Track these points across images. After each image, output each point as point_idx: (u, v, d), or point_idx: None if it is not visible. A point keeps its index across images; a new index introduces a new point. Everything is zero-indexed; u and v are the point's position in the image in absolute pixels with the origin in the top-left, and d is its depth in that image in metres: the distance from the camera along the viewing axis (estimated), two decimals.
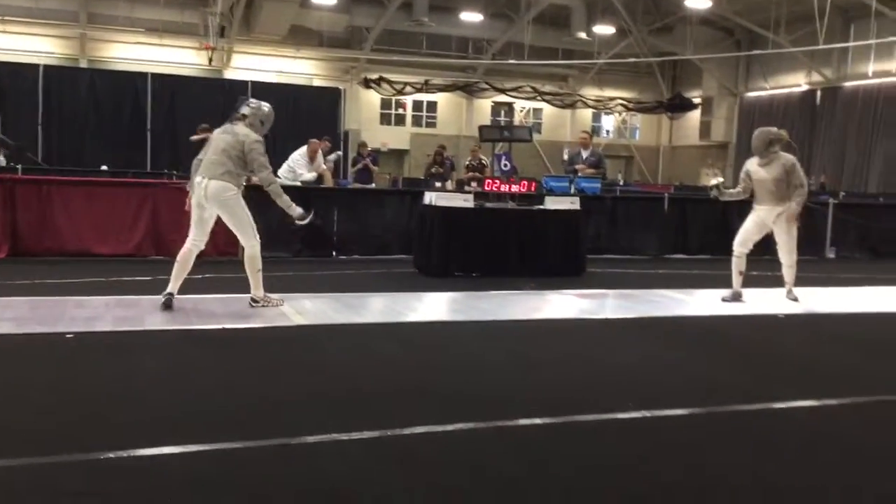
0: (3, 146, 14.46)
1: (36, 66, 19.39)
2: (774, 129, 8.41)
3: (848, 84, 28.82)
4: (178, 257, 6.60)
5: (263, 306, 6.71)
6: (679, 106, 35.42)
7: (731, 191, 8.48)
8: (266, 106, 6.79)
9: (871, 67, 28.14)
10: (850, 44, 26.52)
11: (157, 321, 6.14)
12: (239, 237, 6.69)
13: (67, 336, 5.53)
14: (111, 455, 3.40)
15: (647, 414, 4.27)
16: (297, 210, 6.80)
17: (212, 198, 6.46)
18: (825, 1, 22.60)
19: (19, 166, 13.16)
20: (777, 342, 6.50)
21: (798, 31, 26.84)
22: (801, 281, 9.70)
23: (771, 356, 5.94)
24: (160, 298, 6.49)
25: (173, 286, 6.55)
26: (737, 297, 8.02)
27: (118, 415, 4.00)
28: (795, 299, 8.07)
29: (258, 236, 6.67)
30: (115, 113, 18.25)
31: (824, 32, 23.09)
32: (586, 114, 36.67)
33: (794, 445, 3.94)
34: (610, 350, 5.98)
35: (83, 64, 26.80)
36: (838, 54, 28.34)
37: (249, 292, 6.76)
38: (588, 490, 3.32)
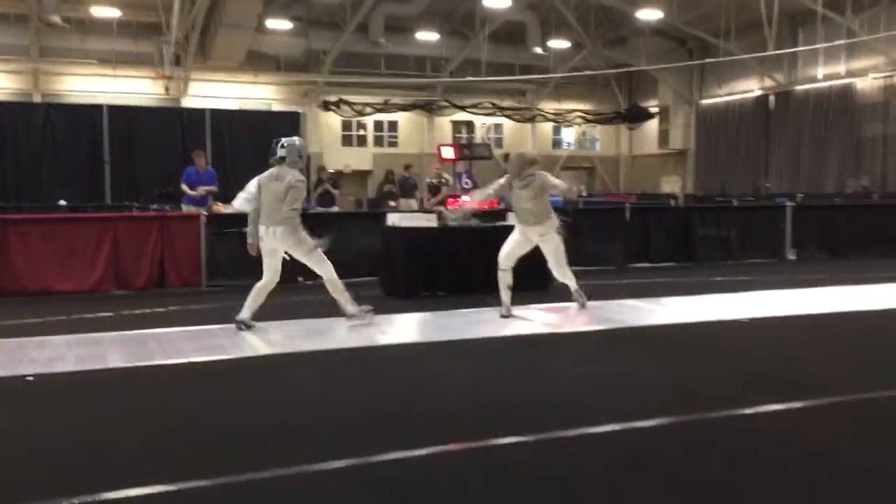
0: None
1: None
2: (528, 153, 8.58)
3: (799, 88, 29.46)
4: (255, 289, 7.11)
5: (360, 320, 7.29)
6: (636, 116, 35.92)
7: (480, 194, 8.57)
8: (297, 140, 7.23)
9: (821, 71, 28.82)
10: (799, 49, 27.17)
11: (119, 359, 6.03)
12: (313, 267, 7.20)
13: (28, 378, 5.41)
14: (75, 501, 3.32)
15: (619, 427, 4.29)
16: (311, 242, 7.16)
17: (279, 241, 6.99)
18: (772, 8, 23.13)
19: None
20: (743, 347, 6.58)
21: (748, 38, 27.42)
22: (764, 284, 9.88)
23: (738, 361, 6.01)
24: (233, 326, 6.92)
25: (244, 313, 7.01)
26: (509, 313, 7.85)
27: (81, 458, 3.91)
28: (583, 305, 8.17)
29: (329, 262, 7.19)
30: (71, 146, 17.97)
31: (774, 38, 23.61)
32: (546, 127, 37.03)
33: (763, 451, 3.98)
34: (579, 363, 6.01)
35: (37, 98, 26.42)
36: (788, 59, 28.97)
37: (217, 323, 6.74)
38: None
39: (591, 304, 8.63)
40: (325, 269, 7.19)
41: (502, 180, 8.16)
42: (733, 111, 32.05)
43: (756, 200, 20.20)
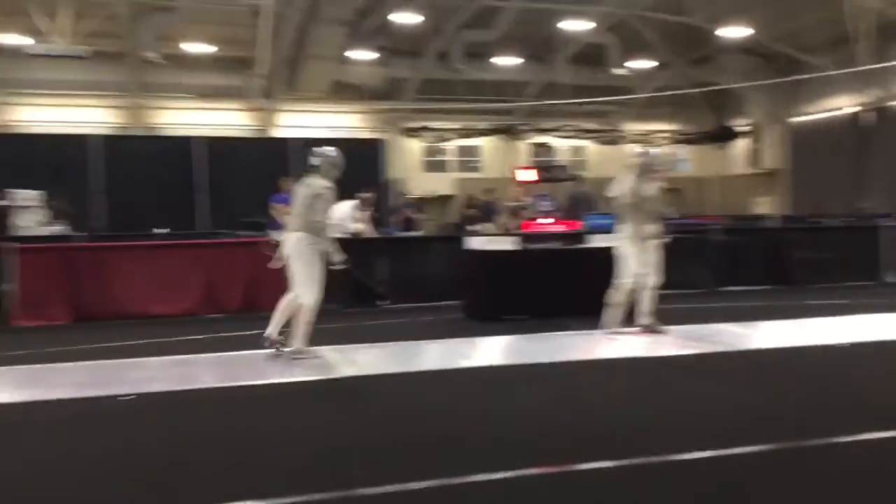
0: (64, 215, 14.97)
1: (92, 136, 20.17)
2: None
3: None
4: (282, 303, 6.86)
5: (303, 357, 6.77)
6: (724, 135, 35.08)
7: None
8: (333, 151, 7.08)
9: None
10: (893, 63, 26.04)
11: (210, 379, 6.24)
12: (298, 285, 6.78)
13: (125, 398, 5.64)
14: None
15: (709, 454, 4.16)
16: (338, 257, 6.93)
17: (291, 248, 6.77)
18: (865, 22, 22.26)
19: (79, 234, 13.59)
20: (842, 373, 6.30)
21: (838, 54, 26.48)
22: (863, 308, 9.44)
23: (836, 387, 5.76)
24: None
25: (271, 329, 6.82)
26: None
27: (173, 479, 4.04)
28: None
29: (320, 292, 6.78)
30: (168, 177, 18.80)
31: (868, 53, 22.69)
32: (630, 149, 36.48)
33: (864, 482, 3.79)
34: (669, 389, 5.87)
35: (137, 132, 27.76)
36: (882, 74, 27.82)
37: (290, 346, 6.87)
38: None
39: (680, 328, 8.42)
40: (309, 294, 6.75)
41: (629, 181, 7.91)
42: (827, 129, 30.88)
43: (854, 221, 19.37)
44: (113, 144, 19.82)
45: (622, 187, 7.95)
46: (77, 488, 3.87)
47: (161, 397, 5.74)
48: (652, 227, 7.85)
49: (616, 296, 7.88)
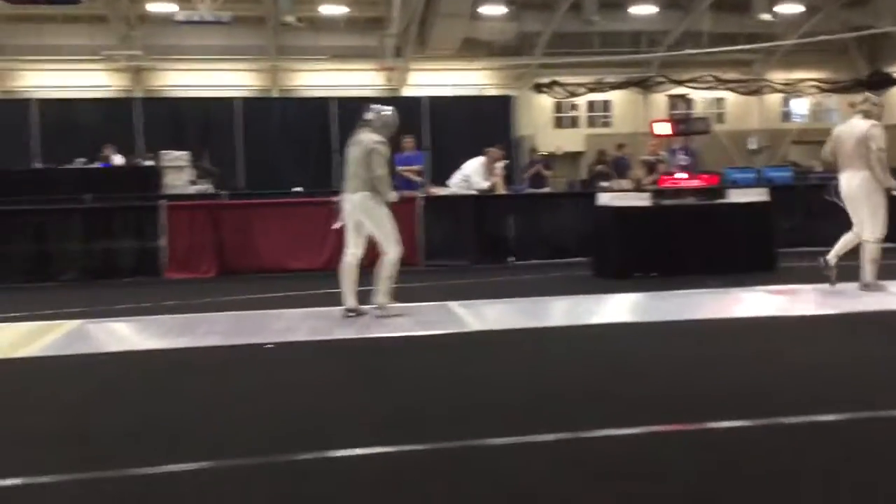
0: (208, 175, 15.86)
1: (234, 98, 21.14)
2: None
3: None
4: (340, 271, 6.93)
5: (385, 314, 6.79)
6: (880, 82, 32.42)
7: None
8: (387, 110, 7.03)
9: None
10: None
11: (345, 332, 6.48)
12: (381, 242, 6.84)
13: (267, 347, 5.97)
14: (308, 456, 3.62)
15: (855, 415, 3.95)
16: (393, 194, 6.92)
17: (356, 208, 6.78)
18: None
19: (223, 192, 14.36)
20: None
21: None
22: None
23: None
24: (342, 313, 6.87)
25: (349, 300, 6.87)
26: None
27: (308, 420, 4.25)
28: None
29: (400, 245, 6.84)
30: (304, 137, 19.48)
31: None
32: (775, 99, 34.51)
33: None
34: (810, 348, 5.59)
35: (275, 94, 28.83)
36: None
37: (429, 300, 7.00)
38: (785, 496, 3.12)
39: (822, 286, 7.99)
40: (391, 248, 6.77)
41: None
42: None
43: None
44: (252, 107, 20.69)
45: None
46: (231, 427, 4.13)
47: (298, 347, 6.03)
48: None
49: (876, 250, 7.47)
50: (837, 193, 7.60)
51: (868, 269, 7.49)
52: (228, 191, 14.83)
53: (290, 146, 19.16)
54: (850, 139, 7.47)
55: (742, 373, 4.94)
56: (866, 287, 7.50)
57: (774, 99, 34.43)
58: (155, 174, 14.28)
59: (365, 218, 6.84)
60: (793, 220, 11.13)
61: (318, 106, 20.66)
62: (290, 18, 25.74)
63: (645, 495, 3.15)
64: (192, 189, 14.41)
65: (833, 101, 35.30)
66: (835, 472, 3.32)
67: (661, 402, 4.35)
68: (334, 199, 7.33)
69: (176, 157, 14.75)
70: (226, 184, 16.08)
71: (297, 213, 10.73)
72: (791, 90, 33.27)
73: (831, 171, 7.90)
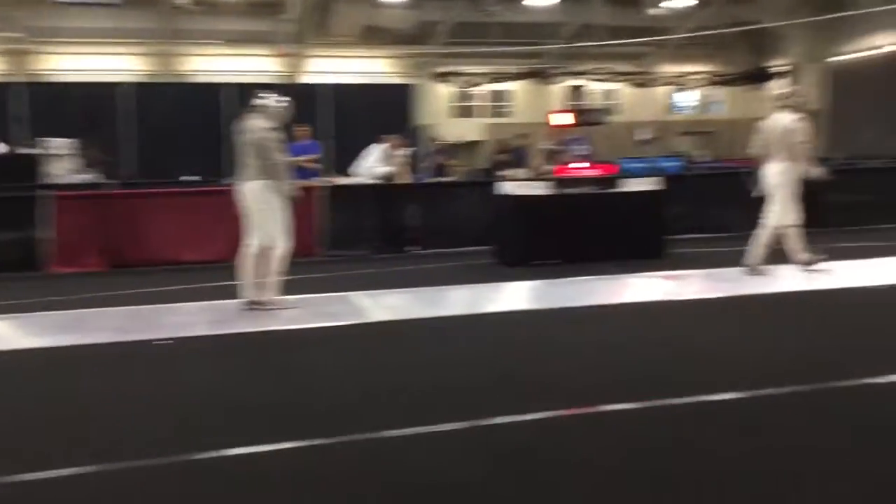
0: (97, 163, 15.14)
1: (124, 84, 20.26)
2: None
3: None
4: (240, 262, 6.73)
5: (266, 307, 6.66)
6: (762, 76, 34.17)
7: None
8: (279, 97, 6.84)
9: None
10: None
11: (245, 325, 6.32)
12: (269, 234, 6.67)
13: (163, 343, 5.75)
14: (203, 456, 3.51)
15: (740, 395, 4.15)
16: (291, 187, 6.75)
17: (249, 199, 6.63)
18: None
19: (113, 181, 13.75)
20: (877, 315, 6.21)
21: None
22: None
23: (870, 329, 5.68)
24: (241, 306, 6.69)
25: (251, 293, 6.69)
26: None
27: (210, 417, 4.13)
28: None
29: (290, 239, 6.68)
30: (198, 124, 18.86)
31: None
32: (665, 91, 35.79)
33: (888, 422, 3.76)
34: (697, 331, 5.84)
35: (167, 79, 27.79)
36: None
37: (330, 291, 6.91)
38: (683, 475, 3.24)
39: (711, 271, 8.38)
40: (282, 242, 6.64)
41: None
42: (868, 68, 29.92)
43: (892, 162, 18.87)
44: (143, 92, 19.88)
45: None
46: (115, 429, 3.97)
47: (196, 341, 5.84)
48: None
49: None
50: (758, 185, 7.97)
51: (758, 253, 7.90)
52: (119, 180, 14.21)
53: (184, 134, 18.53)
54: (775, 132, 7.91)
55: (636, 356, 5.10)
56: (750, 270, 7.91)
57: (665, 91, 35.72)
58: (37, 162, 13.51)
59: (258, 208, 6.67)
60: (683, 208, 11.56)
61: (214, 92, 20.04)
62: (182, 0, 24.84)
63: (548, 479, 3.21)
64: (78, 178, 13.73)
65: (720, 93, 36.92)
66: (717, 449, 3.47)
67: (563, 387, 4.44)
68: (231, 188, 7.10)
69: (59, 145, 14.01)
70: (116, 173, 15.40)
71: (191, 202, 10.36)
72: (680, 83, 34.59)
73: (758, 163, 8.25)
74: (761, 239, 7.93)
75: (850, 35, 30.92)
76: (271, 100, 6.79)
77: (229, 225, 9.95)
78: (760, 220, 8.00)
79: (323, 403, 4.29)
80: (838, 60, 31.99)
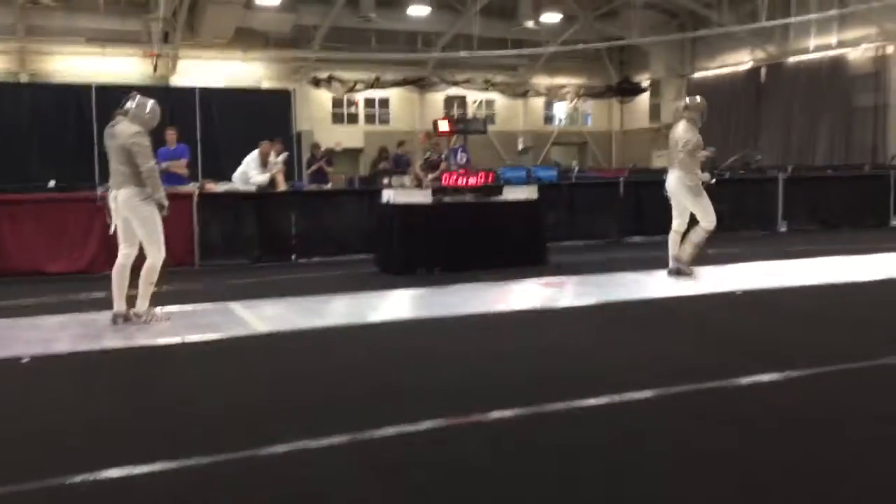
0: None
1: None
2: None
3: (791, 59, 29.38)
4: (113, 273, 6.46)
5: (147, 320, 6.46)
6: (628, 90, 35.86)
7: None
8: (150, 101, 6.59)
9: (813, 42, 28.72)
10: (790, 20, 27.03)
11: (114, 340, 6.01)
12: (143, 244, 6.48)
13: (23, 360, 5.38)
14: (76, 479, 3.31)
15: (615, 398, 4.30)
16: (162, 195, 6.48)
17: (122, 207, 6.36)
18: None
19: None
20: (736, 319, 6.60)
21: (740, 10, 27.28)
22: (756, 256, 9.90)
23: (731, 333, 6.03)
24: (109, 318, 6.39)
25: (118, 305, 6.42)
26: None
27: (77, 438, 3.90)
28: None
29: (164, 249, 6.48)
30: (60, 127, 17.86)
31: (766, 10, 23.48)
32: (538, 102, 36.89)
33: (758, 420, 4.00)
34: (575, 337, 6.02)
35: (24, 78, 26.13)
36: (780, 31, 28.85)
37: (208, 302, 6.67)
38: (565, 478, 3.32)
39: (586, 277, 8.67)
40: (153, 253, 6.42)
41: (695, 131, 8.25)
42: (725, 84, 31.95)
43: (746, 173, 20.22)
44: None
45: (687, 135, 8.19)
46: None
47: (60, 359, 5.50)
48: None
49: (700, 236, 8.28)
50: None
51: (687, 251, 8.35)
52: None
53: (44, 137, 17.50)
54: (671, 141, 8.41)
55: (518, 363, 5.20)
56: (676, 269, 8.39)
57: (538, 102, 36.81)
58: None
59: (130, 215, 6.39)
60: (558, 216, 11.94)
61: (76, 93, 19.03)
62: None
63: (437, 489, 3.22)
64: None
65: (588, 105, 38.39)
66: (606, 451, 3.60)
67: (449, 396, 4.47)
68: (99, 195, 6.74)
69: None
70: None
71: (53, 210, 9.76)
72: (553, 94, 35.77)
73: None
74: (690, 236, 8.36)
75: (709, 53, 32.90)
76: (138, 102, 6.50)
77: (98, 234, 9.51)
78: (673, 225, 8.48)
79: (198, 422, 4.13)
80: (698, 76, 33.95)
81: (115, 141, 6.39)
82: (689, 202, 8.30)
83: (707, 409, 4.20)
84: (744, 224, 12.99)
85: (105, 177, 16.63)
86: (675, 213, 8.47)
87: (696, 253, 8.44)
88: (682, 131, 8.28)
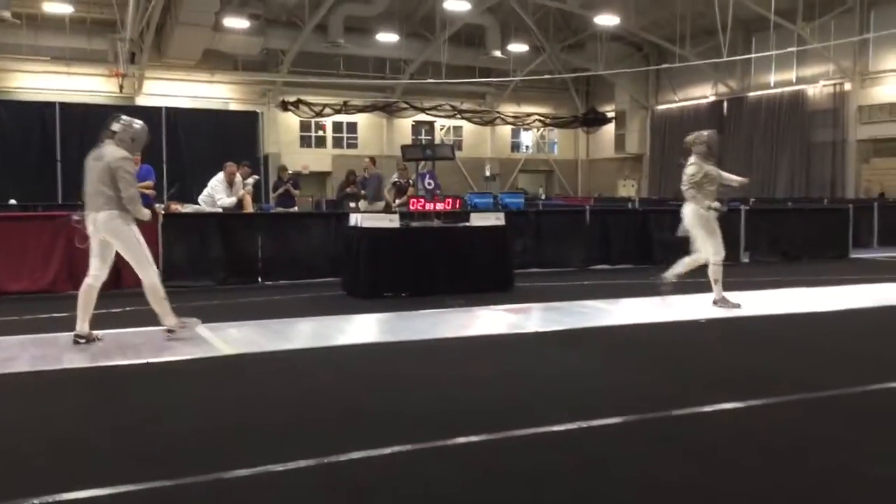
0: None
1: None
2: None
3: (752, 94, 30.11)
4: (80, 293, 6.38)
5: (181, 331, 6.56)
6: (593, 120, 36.41)
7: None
8: (138, 123, 6.57)
9: (773, 77, 29.48)
10: (752, 55, 27.75)
11: (76, 359, 5.91)
12: (134, 268, 6.47)
13: None
14: (35, 502, 3.24)
15: (581, 424, 4.32)
16: (146, 213, 6.53)
17: (101, 230, 6.32)
18: (727, 15, 23.60)
19: None
20: (699, 347, 6.69)
21: (703, 45, 27.94)
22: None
23: (695, 361, 6.11)
24: (71, 339, 6.28)
25: (81, 325, 6.33)
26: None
27: (39, 459, 3.82)
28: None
29: (154, 265, 6.53)
30: (22, 145, 17.60)
31: (728, 45, 24.10)
32: (505, 130, 37.27)
33: (722, 448, 4.05)
34: (541, 363, 6.05)
35: None
36: (742, 66, 29.60)
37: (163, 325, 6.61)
38: (533, 499, 3.33)
39: (552, 304, 8.72)
40: (146, 273, 6.43)
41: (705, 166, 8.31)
42: (688, 116, 32.62)
43: None
44: None
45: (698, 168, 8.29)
46: None
47: (18, 378, 5.39)
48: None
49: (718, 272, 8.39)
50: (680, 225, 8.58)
51: (715, 288, 8.45)
52: None
53: (6, 154, 17.21)
54: (682, 175, 8.40)
55: (483, 389, 5.21)
56: (715, 303, 8.45)
57: (506, 130, 37.21)
58: None
59: (112, 239, 6.35)
60: (524, 243, 12.02)
61: (39, 111, 18.80)
62: (5, 13, 23.14)
63: None
64: None
65: (554, 134, 38.88)
66: (569, 477, 3.61)
67: (416, 421, 4.46)
68: (74, 215, 6.64)
69: None
70: None
71: (15, 228, 9.60)
72: (520, 123, 36.18)
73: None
74: (710, 275, 8.44)
75: (673, 85, 33.58)
76: (128, 125, 6.46)
77: (60, 253, 9.36)
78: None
79: (163, 443, 4.06)
80: (662, 108, 34.60)
81: (100, 162, 6.32)
82: (700, 234, 8.39)
83: (672, 436, 4.25)
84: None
85: (67, 195, 16.44)
86: (699, 244, 8.49)
87: (684, 274, 8.67)
88: (688, 166, 8.39)
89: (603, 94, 36.93)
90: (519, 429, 4.24)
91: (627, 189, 35.55)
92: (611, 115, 36.08)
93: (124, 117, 6.57)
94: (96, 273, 6.42)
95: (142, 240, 6.45)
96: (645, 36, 31.32)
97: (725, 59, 24.58)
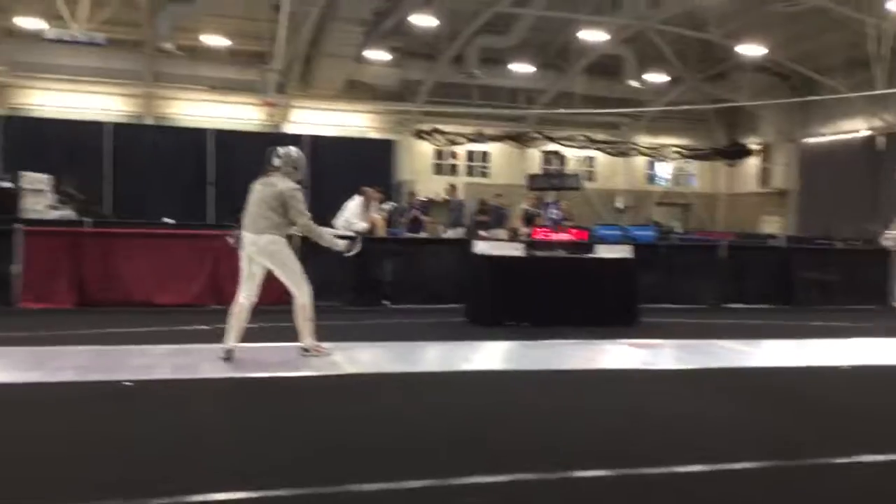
0: (72, 200, 15.04)
1: (104, 123, 20.25)
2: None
3: None
4: (234, 312, 6.69)
5: (314, 355, 6.79)
6: (736, 153, 35.11)
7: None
8: (294, 151, 6.88)
9: None
10: None
11: (211, 370, 6.25)
12: (289, 287, 6.78)
13: (126, 384, 5.67)
14: (165, 500, 3.45)
15: (707, 468, 4.16)
16: (341, 244, 6.97)
17: (261, 252, 6.63)
18: (880, 46, 22.23)
19: (87, 219, 13.64)
20: (842, 395, 6.29)
21: (855, 77, 26.44)
22: (866, 331, 9.42)
23: (835, 409, 5.75)
24: (220, 353, 6.58)
25: (230, 341, 6.62)
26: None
27: (170, 463, 4.06)
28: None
29: (309, 285, 6.80)
30: (177, 167, 18.87)
31: (883, 77, 22.68)
32: (640, 161, 36.56)
33: (856, 502, 3.79)
34: (667, 402, 5.86)
35: (149, 121, 27.85)
36: None
37: (289, 342, 6.88)
38: None
39: (683, 342, 8.43)
40: (301, 291, 6.70)
41: None
42: (838, 151, 30.82)
43: (862, 245, 19.34)
44: (124, 132, 19.90)
45: None
46: (73, 469, 3.89)
47: (160, 385, 5.76)
48: None
49: None
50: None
51: None
52: (93, 218, 14.10)
53: (162, 176, 18.49)
54: None
55: (606, 423, 5.11)
56: None
57: (640, 161, 36.48)
58: (12, 196, 13.38)
59: (268, 261, 6.68)
60: (654, 277, 11.71)
61: (194, 136, 20.11)
62: (168, 45, 25.07)
63: None
64: (53, 214, 13.60)
65: (693, 166, 37.76)
66: None
67: (530, 450, 4.43)
68: (230, 235, 7.06)
69: (36, 180, 13.91)
70: (90, 211, 15.28)
71: (167, 245, 10.32)
72: (655, 154, 35.42)
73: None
74: None
75: (822, 118, 31.92)
76: (287, 155, 6.78)
77: (207, 269, 9.98)
78: None
79: (288, 455, 4.23)
80: (810, 142, 32.96)
81: (270, 188, 6.66)
82: None
83: (805, 485, 4.02)
84: (854, 297, 12.37)
85: (218, 215, 17.21)
86: None
87: None
88: None
89: (746, 126, 35.57)
90: (639, 467, 4.13)
91: (771, 225, 33.94)
92: (754, 147, 34.69)
93: (280, 149, 6.87)
94: (248, 293, 6.73)
95: (296, 260, 6.77)
96: (792, 66, 29.99)
97: (879, 91, 23.15)
